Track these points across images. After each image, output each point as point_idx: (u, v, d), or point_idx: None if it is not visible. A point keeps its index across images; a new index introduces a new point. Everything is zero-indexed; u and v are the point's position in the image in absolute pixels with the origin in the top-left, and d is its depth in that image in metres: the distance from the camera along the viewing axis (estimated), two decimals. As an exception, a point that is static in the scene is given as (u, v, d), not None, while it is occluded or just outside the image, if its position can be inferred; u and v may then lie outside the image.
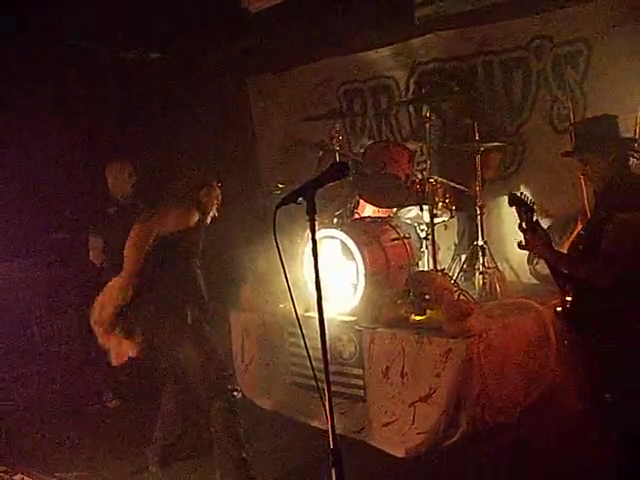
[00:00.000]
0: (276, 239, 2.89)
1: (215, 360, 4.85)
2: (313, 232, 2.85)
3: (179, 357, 4.85)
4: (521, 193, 4.01)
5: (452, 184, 5.88)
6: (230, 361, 6.16)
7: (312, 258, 2.89)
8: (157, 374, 5.38)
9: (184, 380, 5.06)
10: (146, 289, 4.78)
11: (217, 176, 5.04)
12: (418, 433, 5.05)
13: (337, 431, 2.95)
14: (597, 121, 4.02)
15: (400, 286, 5.59)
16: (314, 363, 3.05)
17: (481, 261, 5.86)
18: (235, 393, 4.82)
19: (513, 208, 3.95)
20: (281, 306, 6.05)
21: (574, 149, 4.07)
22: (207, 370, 4.77)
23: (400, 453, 5.06)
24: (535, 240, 3.87)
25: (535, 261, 6.07)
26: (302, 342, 3.11)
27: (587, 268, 3.74)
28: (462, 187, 5.71)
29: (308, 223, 2.87)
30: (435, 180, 5.82)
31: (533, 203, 3.93)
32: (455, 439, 4.95)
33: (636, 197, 3.64)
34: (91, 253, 6.49)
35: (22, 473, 5.33)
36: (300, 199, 2.83)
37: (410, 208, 6.23)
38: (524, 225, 3.87)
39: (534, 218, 3.92)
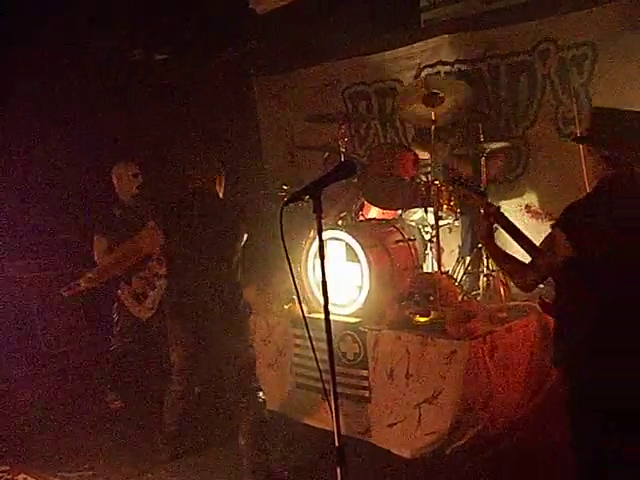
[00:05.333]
0: (282, 237, 2.90)
1: (252, 358, 5.00)
2: (320, 230, 2.87)
3: (226, 350, 4.94)
4: (467, 179, 4.05)
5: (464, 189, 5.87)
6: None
7: (317, 258, 2.90)
8: (162, 373, 5.39)
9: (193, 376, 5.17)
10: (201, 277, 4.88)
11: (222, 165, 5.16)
12: (424, 434, 5.07)
13: (342, 432, 2.96)
14: (624, 114, 3.60)
15: (404, 288, 5.61)
16: (319, 364, 3.06)
17: (485, 263, 5.87)
18: (261, 393, 4.94)
19: (522, 211, 3.92)
20: (285, 307, 6.06)
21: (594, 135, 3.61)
22: (244, 366, 4.91)
23: (406, 454, 5.09)
24: (481, 222, 3.85)
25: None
26: (308, 343, 3.12)
27: (509, 267, 3.69)
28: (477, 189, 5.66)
29: (313, 223, 2.88)
30: (440, 183, 5.83)
31: (475, 183, 3.93)
32: (463, 442, 4.97)
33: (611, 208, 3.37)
34: (96, 254, 6.49)
35: (25, 473, 5.33)
36: (307, 197, 2.84)
37: (415, 210, 6.25)
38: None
39: (486, 201, 3.92)
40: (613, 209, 3.31)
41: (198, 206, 4.94)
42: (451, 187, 5.41)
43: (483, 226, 3.82)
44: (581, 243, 3.28)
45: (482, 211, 3.90)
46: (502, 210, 3.97)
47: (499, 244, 3.85)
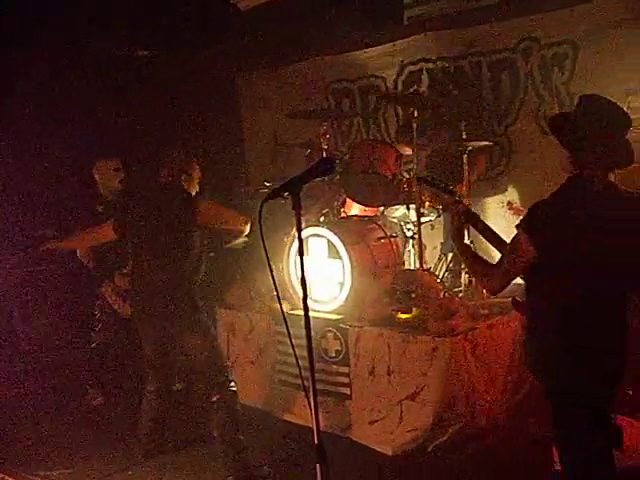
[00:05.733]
0: (261, 234, 2.89)
1: (220, 352, 5.01)
2: (299, 227, 2.85)
3: (189, 347, 4.95)
4: (434, 178, 4.03)
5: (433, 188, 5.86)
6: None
7: (298, 254, 2.89)
8: (143, 370, 5.37)
9: (172, 373, 5.24)
10: (163, 276, 4.92)
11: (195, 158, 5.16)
12: (406, 431, 5.08)
13: (323, 429, 2.97)
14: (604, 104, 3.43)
15: (386, 285, 5.60)
16: (300, 361, 3.05)
17: (466, 261, 5.88)
18: (232, 385, 4.93)
19: (503, 208, 3.88)
20: (268, 304, 6.05)
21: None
22: (213, 361, 4.91)
23: (387, 451, 5.10)
24: (451, 221, 3.81)
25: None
26: (288, 340, 3.11)
27: (475, 268, 3.66)
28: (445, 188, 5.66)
29: (294, 219, 2.87)
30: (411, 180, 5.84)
31: (443, 182, 3.91)
32: (445, 438, 4.99)
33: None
34: (79, 251, 6.45)
35: (3, 472, 5.29)
36: (286, 194, 2.83)
37: (397, 207, 6.23)
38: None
39: (454, 199, 3.88)
40: (575, 209, 3.27)
41: (165, 202, 4.95)
42: (418, 186, 5.40)
43: (453, 224, 3.78)
44: (543, 244, 3.25)
45: (451, 209, 3.86)
46: (489, 210, 3.92)
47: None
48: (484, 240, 3.89)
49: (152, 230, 4.92)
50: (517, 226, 3.35)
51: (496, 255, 3.64)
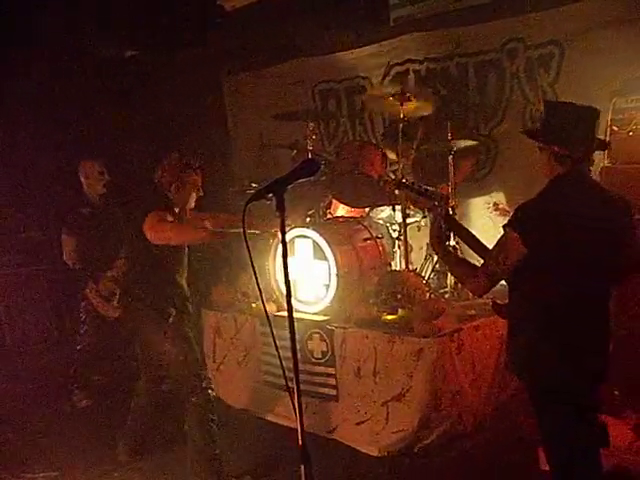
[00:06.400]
0: (245, 235, 2.88)
1: (193, 358, 4.89)
2: (283, 229, 2.84)
3: (159, 352, 4.91)
4: (413, 182, 4.01)
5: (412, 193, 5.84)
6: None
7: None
8: (129, 372, 5.36)
9: (159, 375, 5.13)
10: (136, 285, 4.94)
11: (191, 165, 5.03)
12: (392, 432, 5.08)
13: (309, 430, 2.96)
14: (578, 109, 3.44)
15: (372, 286, 5.60)
16: (284, 362, 3.04)
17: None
18: (210, 391, 4.85)
19: (489, 209, 3.86)
20: (254, 305, 6.03)
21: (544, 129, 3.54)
22: (184, 367, 4.82)
23: (374, 452, 5.10)
24: (430, 225, 3.78)
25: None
26: (273, 342, 3.10)
27: (460, 270, 3.64)
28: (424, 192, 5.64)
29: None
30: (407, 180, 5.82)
31: (422, 185, 3.89)
32: (431, 439, 4.99)
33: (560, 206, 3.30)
34: (64, 253, 6.43)
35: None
36: (270, 195, 2.82)
37: (383, 208, 6.24)
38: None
39: (434, 202, 3.85)
40: (563, 207, 3.28)
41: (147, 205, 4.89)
42: (397, 190, 5.37)
43: (432, 228, 3.75)
44: (533, 243, 3.26)
45: (430, 213, 3.84)
46: (474, 211, 3.92)
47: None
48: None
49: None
50: (505, 226, 3.35)
51: (478, 259, 3.64)
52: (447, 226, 3.74)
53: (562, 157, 3.35)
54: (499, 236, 3.39)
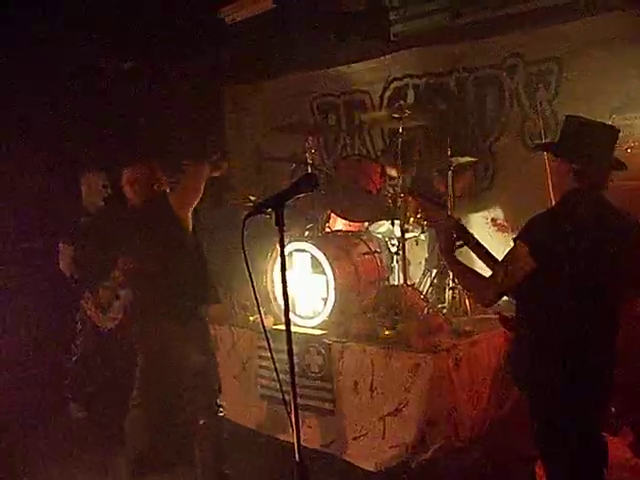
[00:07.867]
0: (244, 249, 2.87)
1: (214, 372, 4.94)
2: (282, 243, 2.84)
3: (176, 360, 4.85)
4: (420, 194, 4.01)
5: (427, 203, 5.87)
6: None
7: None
8: (125, 383, 5.32)
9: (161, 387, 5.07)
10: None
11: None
12: (389, 447, 5.06)
13: (306, 444, 2.95)
14: (600, 127, 3.54)
15: (370, 300, 5.60)
16: (281, 376, 3.04)
17: (451, 276, 5.87)
18: (221, 408, 4.85)
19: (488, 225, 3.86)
20: (252, 319, 6.03)
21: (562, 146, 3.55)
22: (205, 378, 4.85)
23: (370, 467, 5.08)
24: (441, 235, 3.82)
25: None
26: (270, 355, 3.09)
27: (468, 281, 3.68)
28: (438, 202, 5.67)
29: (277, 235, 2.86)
30: (405, 195, 5.83)
31: (437, 198, 3.90)
32: (428, 455, 4.95)
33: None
34: (61, 263, 6.42)
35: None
36: (269, 210, 2.82)
37: (381, 223, 6.24)
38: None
39: (446, 213, 3.87)
40: (576, 223, 3.30)
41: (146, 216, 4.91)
42: (409, 198, 5.39)
43: (442, 239, 3.78)
44: (543, 256, 3.26)
45: (441, 224, 3.86)
46: (473, 226, 3.93)
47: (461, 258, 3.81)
48: (473, 255, 3.89)
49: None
50: (515, 238, 3.38)
51: (485, 270, 3.65)
52: (458, 237, 3.76)
53: (580, 173, 3.37)
54: (511, 247, 3.40)
